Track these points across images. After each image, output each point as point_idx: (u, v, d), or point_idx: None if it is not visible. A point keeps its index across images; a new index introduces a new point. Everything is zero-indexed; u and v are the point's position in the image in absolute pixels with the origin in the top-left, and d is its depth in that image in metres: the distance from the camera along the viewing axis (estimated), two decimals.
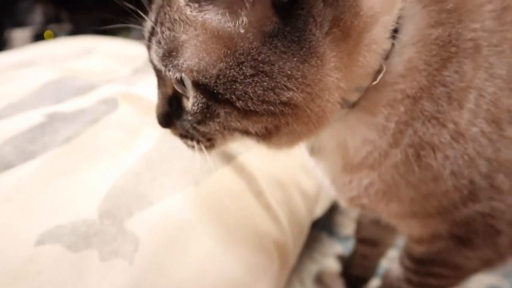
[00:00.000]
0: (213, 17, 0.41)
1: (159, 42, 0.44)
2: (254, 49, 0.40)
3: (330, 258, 1.03)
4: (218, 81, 0.41)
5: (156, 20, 0.45)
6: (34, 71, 0.96)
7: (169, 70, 0.43)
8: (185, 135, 0.50)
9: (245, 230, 0.68)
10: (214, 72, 0.41)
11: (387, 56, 0.46)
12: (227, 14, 0.40)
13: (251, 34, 0.40)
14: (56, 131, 0.71)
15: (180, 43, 0.42)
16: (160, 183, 0.66)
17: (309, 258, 1.05)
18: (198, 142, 0.50)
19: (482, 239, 0.59)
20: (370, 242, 0.91)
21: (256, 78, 0.41)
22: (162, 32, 0.43)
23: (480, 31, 0.47)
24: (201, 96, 0.43)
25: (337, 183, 0.62)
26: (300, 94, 0.41)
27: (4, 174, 0.61)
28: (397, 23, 0.45)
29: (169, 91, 0.49)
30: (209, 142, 0.50)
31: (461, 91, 0.48)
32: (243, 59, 0.41)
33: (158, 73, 0.48)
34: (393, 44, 0.46)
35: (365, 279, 0.97)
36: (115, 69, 1.08)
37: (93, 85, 0.87)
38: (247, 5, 0.39)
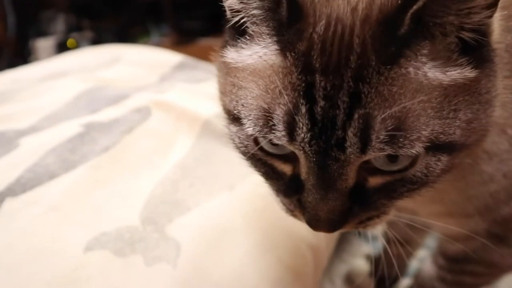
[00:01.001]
0: (434, 72, 0.36)
1: (370, 128, 0.35)
2: (476, 83, 0.38)
3: (359, 258, 1.04)
4: (462, 132, 0.38)
5: (332, 105, 0.35)
6: (65, 83, 0.99)
7: (405, 148, 0.36)
8: (368, 218, 0.42)
9: (280, 233, 0.69)
10: (457, 124, 0.37)
11: None
12: (445, 64, 0.37)
13: (470, 71, 0.38)
14: (94, 140, 0.74)
15: (404, 114, 0.35)
16: (196, 189, 0.68)
17: (338, 258, 1.06)
18: (384, 215, 0.43)
19: None
20: (400, 242, 0.92)
21: (481, 110, 0.39)
22: (368, 115, 0.35)
23: None
24: (444, 156, 0.38)
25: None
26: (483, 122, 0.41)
27: (48, 184, 0.64)
28: None
29: (351, 183, 0.39)
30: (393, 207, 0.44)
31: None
32: (470, 98, 0.38)
33: (338, 169, 0.38)
34: None
35: (395, 280, 0.98)
36: (143, 76, 1.10)
37: (125, 94, 0.90)
38: (453, 48, 0.38)
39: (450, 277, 0.72)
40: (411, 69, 0.35)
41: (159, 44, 2.68)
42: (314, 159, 0.37)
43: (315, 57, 0.35)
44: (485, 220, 0.59)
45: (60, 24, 2.25)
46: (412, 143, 0.35)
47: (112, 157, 0.71)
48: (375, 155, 0.36)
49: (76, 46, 2.19)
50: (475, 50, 0.38)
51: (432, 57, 0.36)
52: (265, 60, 0.38)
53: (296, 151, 0.38)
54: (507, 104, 0.47)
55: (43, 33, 2.22)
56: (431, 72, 0.36)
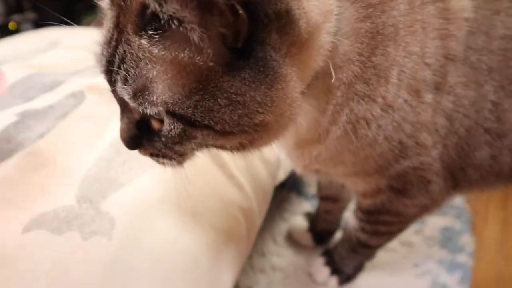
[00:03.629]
0: (180, 53, 0.42)
1: (126, 80, 0.44)
2: (225, 82, 0.43)
3: (298, 216, 1.13)
4: (195, 111, 0.44)
5: (113, 55, 0.45)
6: None
7: (144, 107, 0.45)
8: (156, 154, 0.53)
9: (212, 199, 0.76)
10: (190, 103, 0.43)
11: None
12: (193, 49, 0.42)
13: (219, 68, 0.43)
14: (29, 128, 0.76)
15: (149, 80, 0.43)
16: (129, 166, 0.74)
17: (280, 217, 1.15)
18: (170, 159, 0.53)
19: (417, 188, 0.69)
20: (330, 199, 1.01)
21: (231, 107, 0.44)
22: (127, 70, 0.44)
23: (398, 16, 0.54)
24: (178, 123, 0.46)
25: (291, 155, 0.70)
26: (271, 115, 0.46)
27: None
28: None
29: (136, 116, 0.50)
30: (181, 157, 0.53)
31: (387, 69, 0.55)
32: (216, 91, 0.43)
33: (122, 102, 0.49)
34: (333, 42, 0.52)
35: (330, 232, 1.07)
36: (82, 60, 1.11)
37: (60, 80, 0.92)
38: (205, 44, 0.41)
39: (368, 227, 0.82)
40: (149, 44, 0.43)
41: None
42: (111, 88, 0.49)
43: (120, 16, 0.46)
44: (383, 176, 0.67)
45: None
46: (148, 103, 0.44)
47: (49, 142, 0.75)
48: (129, 102, 0.46)
49: (18, 28, 2.13)
50: (241, 55, 0.43)
51: (171, 39, 0.42)
52: (106, 7, 0.50)
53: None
54: (371, 78, 0.55)
55: None
56: (166, 51, 0.42)
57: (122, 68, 0.45)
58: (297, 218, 1.11)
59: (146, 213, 0.68)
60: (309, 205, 1.20)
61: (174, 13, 0.39)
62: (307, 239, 1.06)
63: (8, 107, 0.83)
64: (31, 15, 2.24)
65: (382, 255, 1.04)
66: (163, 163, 0.54)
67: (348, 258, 0.95)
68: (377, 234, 0.84)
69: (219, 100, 0.43)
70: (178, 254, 0.67)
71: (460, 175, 0.69)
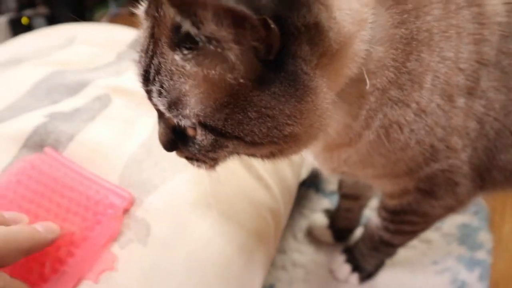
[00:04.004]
0: (212, 70, 0.42)
1: (160, 92, 0.46)
2: (255, 97, 0.43)
3: (318, 213, 1.14)
4: (225, 123, 0.45)
5: (149, 66, 0.46)
6: (22, 71, 1.00)
7: (179, 119, 0.46)
8: (190, 158, 0.55)
9: (242, 201, 0.77)
10: (220, 116, 0.44)
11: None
12: (225, 67, 0.42)
13: (250, 83, 0.43)
14: (59, 129, 0.77)
15: (183, 93, 0.45)
16: (161, 167, 0.75)
17: (299, 214, 1.16)
18: (203, 163, 0.54)
19: (444, 190, 0.70)
20: (352, 197, 1.02)
21: (260, 120, 0.44)
22: (161, 82, 0.45)
23: (432, 22, 0.54)
24: (210, 134, 0.47)
25: (319, 158, 0.71)
26: (300, 127, 0.46)
27: None
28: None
29: (172, 122, 0.52)
30: (213, 161, 0.54)
31: (420, 74, 0.55)
32: (246, 105, 0.44)
33: (158, 109, 0.50)
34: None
35: (350, 229, 1.09)
36: (100, 56, 1.11)
37: (83, 80, 0.92)
38: (238, 59, 0.41)
39: (392, 226, 0.83)
40: (182, 60, 0.43)
41: (117, 15, 2.63)
42: (147, 96, 0.49)
43: (155, 28, 0.46)
44: (412, 179, 0.68)
45: (11, 1, 2.17)
46: (181, 116, 0.46)
47: (79, 144, 0.76)
48: (165, 113, 0.47)
49: (30, 23, 2.13)
50: (271, 69, 0.43)
51: (204, 56, 0.42)
52: (142, 17, 0.50)
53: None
54: (405, 83, 0.55)
55: None
56: (199, 67, 0.42)
57: (157, 79, 0.45)
58: (317, 215, 1.12)
59: (180, 217, 0.69)
60: (327, 202, 1.21)
61: (211, 33, 0.39)
62: (327, 236, 1.08)
63: (35, 108, 0.84)
64: (43, 9, 2.24)
65: (401, 252, 1.05)
66: (198, 166, 0.56)
67: (369, 256, 0.96)
68: (400, 233, 0.85)
69: (248, 113, 0.44)
70: (212, 257, 0.68)
71: (487, 176, 0.70)
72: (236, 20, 0.38)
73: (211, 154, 0.52)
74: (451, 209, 0.75)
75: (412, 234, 0.86)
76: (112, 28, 1.33)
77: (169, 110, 0.46)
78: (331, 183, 1.25)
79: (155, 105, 0.49)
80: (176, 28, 0.42)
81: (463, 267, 1.02)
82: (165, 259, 0.65)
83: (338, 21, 0.46)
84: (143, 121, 0.84)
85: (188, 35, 0.41)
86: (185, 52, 0.42)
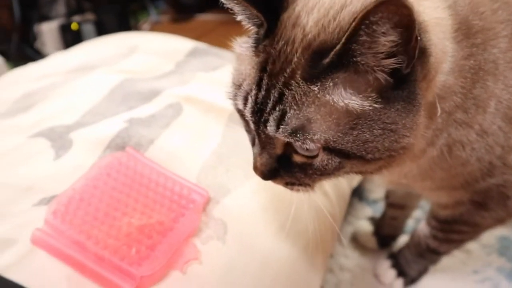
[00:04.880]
0: (343, 98, 0.48)
1: (282, 119, 0.50)
2: (383, 115, 0.48)
3: (362, 220, 1.20)
4: (353, 144, 0.49)
5: (267, 97, 0.51)
6: (95, 77, 1.08)
7: (302, 143, 0.50)
8: (292, 183, 0.59)
9: (304, 206, 0.83)
10: (349, 138, 0.49)
11: None
12: (356, 94, 0.48)
13: (378, 104, 0.48)
14: (139, 134, 0.85)
15: (310, 120, 0.49)
16: (232, 174, 0.81)
17: (345, 221, 1.22)
18: (306, 186, 0.59)
19: (496, 203, 0.75)
20: (398, 206, 1.07)
21: (384, 136, 0.49)
22: (284, 111, 0.49)
23: (498, 53, 0.60)
24: (336, 157, 0.51)
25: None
26: (414, 138, 0.51)
27: None
28: None
29: (278, 151, 0.55)
30: (314, 183, 0.59)
31: (485, 100, 0.61)
32: (373, 124, 0.48)
33: (267, 138, 0.54)
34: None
35: (394, 237, 1.14)
36: (160, 65, 1.19)
37: (155, 89, 1.00)
38: (372, 84, 0.47)
39: (441, 235, 0.88)
40: (319, 90, 0.48)
41: (158, 22, 2.74)
42: (255, 127, 0.54)
43: (268, 63, 0.51)
44: (467, 191, 0.74)
45: (60, 7, 2.28)
46: (308, 140, 0.49)
47: (158, 148, 0.83)
48: (283, 139, 0.52)
49: (79, 28, 2.24)
50: (396, 88, 0.49)
51: (344, 85, 0.48)
52: (247, 54, 0.55)
53: (247, 118, 0.55)
54: (470, 107, 0.61)
55: (44, 17, 2.26)
56: (336, 96, 0.48)
57: (277, 109, 0.50)
58: (362, 222, 1.18)
59: (253, 218, 0.76)
60: (370, 210, 1.26)
61: (391, 41, 0.44)
62: (372, 242, 1.13)
63: (114, 113, 0.92)
64: (91, 16, 2.36)
65: (442, 260, 1.11)
66: (298, 190, 0.60)
67: (414, 262, 1.01)
68: (448, 241, 0.90)
69: (374, 131, 0.49)
70: (281, 259, 0.75)
71: None
72: (402, 30, 0.43)
73: (322, 178, 0.57)
74: (500, 221, 0.80)
75: (459, 242, 0.91)
76: (169, 37, 1.41)
77: (291, 136, 0.50)
78: (374, 192, 1.30)
79: (265, 134, 0.53)
80: (315, 59, 0.48)
81: (504, 278, 1.06)
82: (242, 258, 0.71)
83: (434, 48, 0.52)
84: (212, 129, 0.91)
85: (333, 65, 0.47)
86: (325, 81, 0.48)
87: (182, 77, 1.10)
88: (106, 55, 1.26)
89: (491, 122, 0.63)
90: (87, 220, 0.59)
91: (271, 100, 0.51)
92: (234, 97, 0.56)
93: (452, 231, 0.86)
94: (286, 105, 0.49)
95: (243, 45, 0.56)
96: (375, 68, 0.46)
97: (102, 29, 2.22)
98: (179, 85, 1.04)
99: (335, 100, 0.48)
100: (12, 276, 0.56)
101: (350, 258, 1.12)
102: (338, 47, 0.45)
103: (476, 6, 0.60)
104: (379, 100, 0.48)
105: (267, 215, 0.78)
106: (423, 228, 0.93)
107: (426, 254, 0.96)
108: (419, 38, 0.46)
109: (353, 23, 0.42)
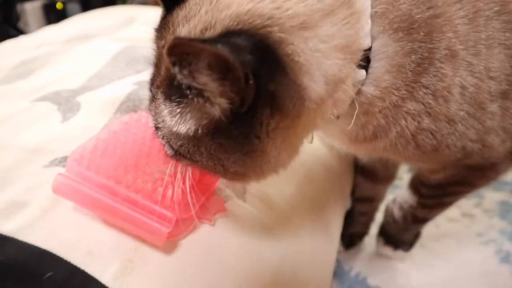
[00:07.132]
0: (178, 123, 0.48)
1: (158, 127, 0.53)
2: (205, 142, 0.48)
3: None
4: (187, 155, 0.51)
5: (152, 82, 0.53)
6: (97, 44, 1.06)
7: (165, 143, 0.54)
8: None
9: (320, 166, 0.85)
10: (183, 150, 0.51)
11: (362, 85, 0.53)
12: (202, 117, 0.47)
13: (204, 136, 0.48)
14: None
15: (164, 126, 0.51)
16: None
17: None
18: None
19: (483, 169, 0.71)
20: (366, 199, 1.05)
21: (210, 161, 0.50)
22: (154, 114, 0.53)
23: (453, 39, 0.54)
24: (187, 161, 0.53)
25: (351, 150, 0.74)
26: (246, 170, 0.51)
27: None
28: (366, 61, 0.52)
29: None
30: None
31: (444, 89, 0.56)
32: (201, 149, 0.49)
33: None
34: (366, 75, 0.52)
35: (362, 235, 1.11)
36: None
37: None
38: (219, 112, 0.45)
39: (431, 201, 0.84)
40: (166, 108, 0.49)
41: (145, 2, 2.68)
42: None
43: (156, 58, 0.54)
44: (453, 165, 0.71)
45: None
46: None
47: None
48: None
49: (64, 7, 2.18)
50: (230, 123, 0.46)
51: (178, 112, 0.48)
52: None
53: None
54: (425, 97, 0.56)
55: None
56: (174, 119, 0.49)
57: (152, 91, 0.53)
58: None
59: (271, 178, 0.75)
60: None
61: (203, 84, 0.42)
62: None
63: (121, 77, 0.89)
64: None
65: (446, 225, 1.13)
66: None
67: (403, 234, 0.98)
68: (439, 206, 0.86)
69: (202, 154, 0.50)
70: (298, 215, 0.76)
71: None
72: (223, 70, 0.40)
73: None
74: (492, 179, 0.76)
75: (449, 205, 0.85)
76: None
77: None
78: None
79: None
80: (172, 79, 0.47)
81: (506, 239, 1.09)
82: (262, 215, 0.70)
83: (304, 90, 0.46)
84: None
85: (179, 88, 0.45)
86: (174, 105, 0.47)
87: None
88: (103, 25, 1.23)
89: (458, 109, 0.58)
90: (114, 166, 0.57)
91: (154, 88, 0.52)
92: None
93: (445, 194, 0.81)
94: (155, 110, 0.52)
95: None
96: (210, 102, 0.44)
97: (88, 9, 2.15)
98: None
99: (172, 122, 0.49)
100: (26, 239, 0.53)
101: None
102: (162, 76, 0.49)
103: None
104: (205, 131, 0.47)
105: (287, 174, 0.77)
106: (407, 200, 0.88)
107: (411, 226, 0.93)
108: (251, 82, 0.41)
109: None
